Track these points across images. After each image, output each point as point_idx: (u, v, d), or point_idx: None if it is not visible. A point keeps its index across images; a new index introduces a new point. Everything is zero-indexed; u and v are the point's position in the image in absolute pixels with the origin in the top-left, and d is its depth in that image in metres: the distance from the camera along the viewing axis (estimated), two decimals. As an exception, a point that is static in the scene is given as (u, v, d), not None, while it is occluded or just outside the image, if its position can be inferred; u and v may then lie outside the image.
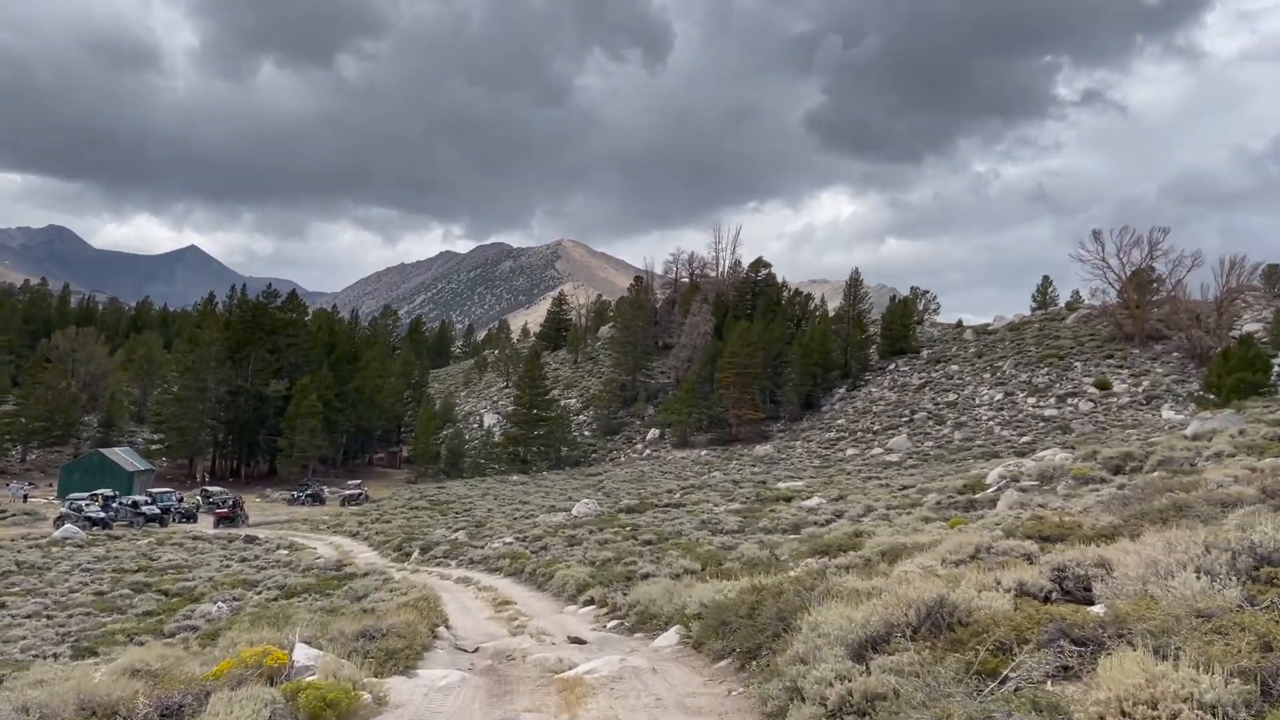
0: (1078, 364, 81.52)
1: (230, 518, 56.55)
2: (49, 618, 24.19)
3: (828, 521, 24.06)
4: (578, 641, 10.28)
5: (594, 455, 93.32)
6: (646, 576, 16.62)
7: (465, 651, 9.46)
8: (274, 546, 41.51)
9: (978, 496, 21.11)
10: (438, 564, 29.50)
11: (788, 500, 34.89)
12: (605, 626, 13.39)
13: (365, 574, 25.38)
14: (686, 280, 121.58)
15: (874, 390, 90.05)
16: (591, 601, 15.90)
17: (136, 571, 34.72)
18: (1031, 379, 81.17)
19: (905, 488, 32.76)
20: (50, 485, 70.92)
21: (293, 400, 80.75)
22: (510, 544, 29.97)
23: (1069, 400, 75.48)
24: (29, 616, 24.80)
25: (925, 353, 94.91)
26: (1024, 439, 68.03)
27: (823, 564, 11.11)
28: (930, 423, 78.20)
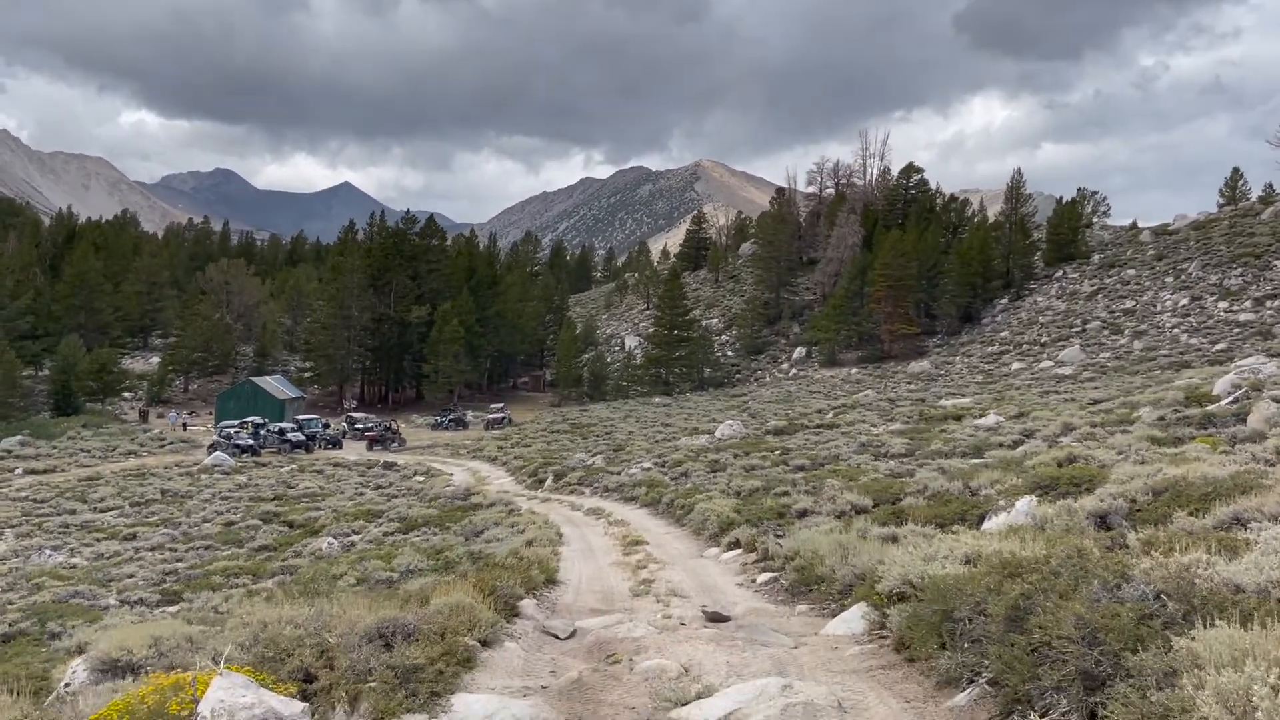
0: (1278, 263, 72.80)
1: (380, 440, 56.79)
2: (171, 550, 23.19)
3: (1016, 443, 20.40)
4: (716, 619, 7.48)
5: (738, 376, 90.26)
6: (804, 514, 13.60)
7: (555, 638, 6.75)
8: (410, 473, 40.50)
9: (1212, 410, 17.09)
10: (571, 491, 27.32)
11: (957, 419, 31.09)
12: (755, 582, 10.49)
13: (491, 505, 23.34)
14: (831, 191, 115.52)
15: (1040, 300, 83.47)
16: (737, 544, 13.03)
17: (273, 499, 34.15)
18: (1223, 281, 73.14)
19: (1097, 402, 28.45)
20: (210, 414, 73.04)
21: (435, 326, 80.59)
22: (649, 470, 27.45)
23: (1268, 303, 67.53)
24: (153, 549, 23.91)
25: (1096, 258, 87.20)
26: (1217, 347, 61.16)
27: (1066, 509, 7.84)
28: (1105, 332, 71.65)
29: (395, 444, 57.49)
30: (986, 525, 9.80)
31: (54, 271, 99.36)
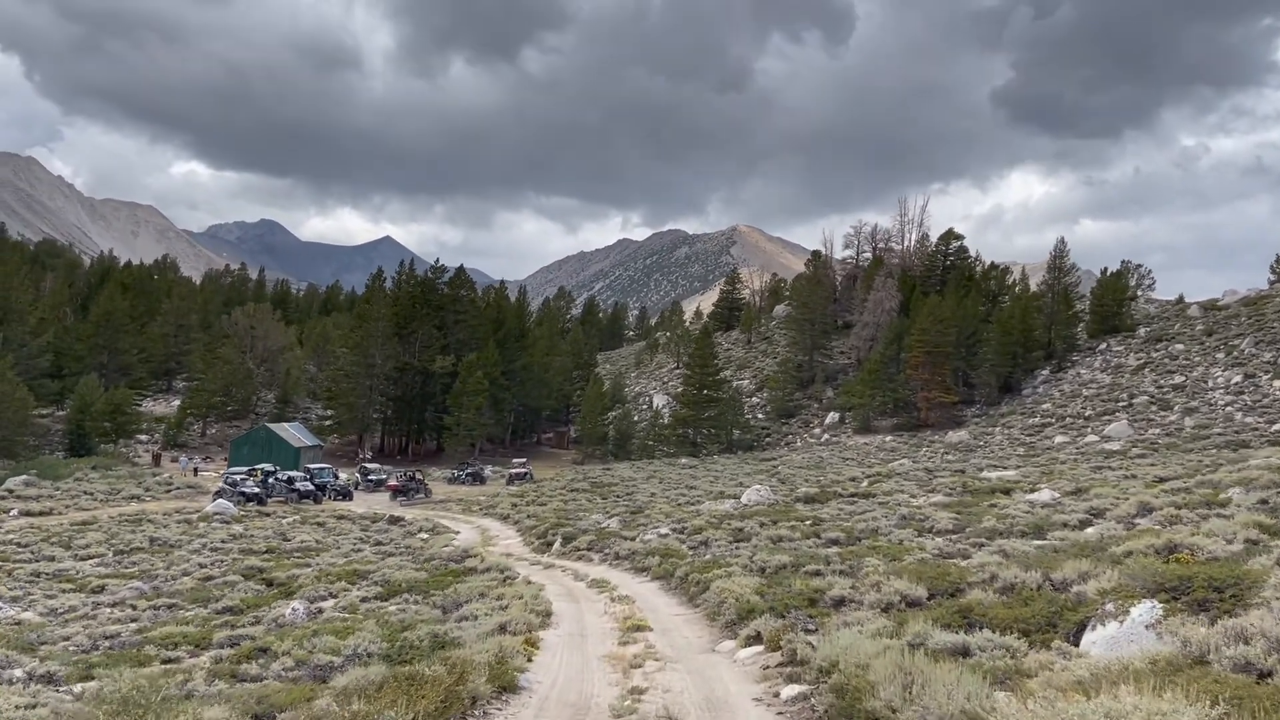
0: (1336, 341, 69.62)
1: (403, 490, 55.34)
2: (131, 608, 20.95)
3: (1083, 523, 17.79)
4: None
5: (768, 439, 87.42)
6: (841, 603, 11.13)
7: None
8: (415, 529, 38.20)
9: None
10: (579, 557, 24.85)
11: (1006, 493, 28.37)
12: (779, 697, 8.05)
13: (486, 570, 20.94)
14: (869, 255, 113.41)
15: (1083, 372, 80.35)
16: (758, 638, 10.56)
17: (265, 552, 31.99)
18: (1277, 359, 69.85)
19: (1163, 480, 25.66)
20: (226, 459, 71.28)
21: (459, 377, 78.74)
22: (665, 537, 24.97)
23: (1328, 383, 64.25)
24: (114, 605, 21.73)
25: (1142, 331, 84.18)
26: (1275, 426, 57.89)
27: (1236, 632, 5.44)
28: (1153, 408, 68.39)
29: (421, 495, 55.78)
30: (1089, 638, 7.33)
31: (85, 311, 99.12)
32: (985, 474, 40.56)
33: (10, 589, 24.93)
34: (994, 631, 7.58)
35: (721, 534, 23.42)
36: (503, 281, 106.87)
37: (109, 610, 20.99)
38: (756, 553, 18.37)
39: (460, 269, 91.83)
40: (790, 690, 8.08)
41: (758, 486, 38.12)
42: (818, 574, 14.80)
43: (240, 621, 17.00)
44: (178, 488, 56.24)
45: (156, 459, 70.15)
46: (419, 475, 59.52)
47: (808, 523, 24.23)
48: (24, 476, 56.96)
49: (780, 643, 9.65)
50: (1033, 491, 26.96)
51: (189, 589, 23.45)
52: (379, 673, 9.18)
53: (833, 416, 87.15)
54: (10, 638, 16.17)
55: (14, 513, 45.81)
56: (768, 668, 9.34)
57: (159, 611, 19.98)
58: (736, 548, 20.85)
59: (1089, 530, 16.76)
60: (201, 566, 28.25)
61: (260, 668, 11.13)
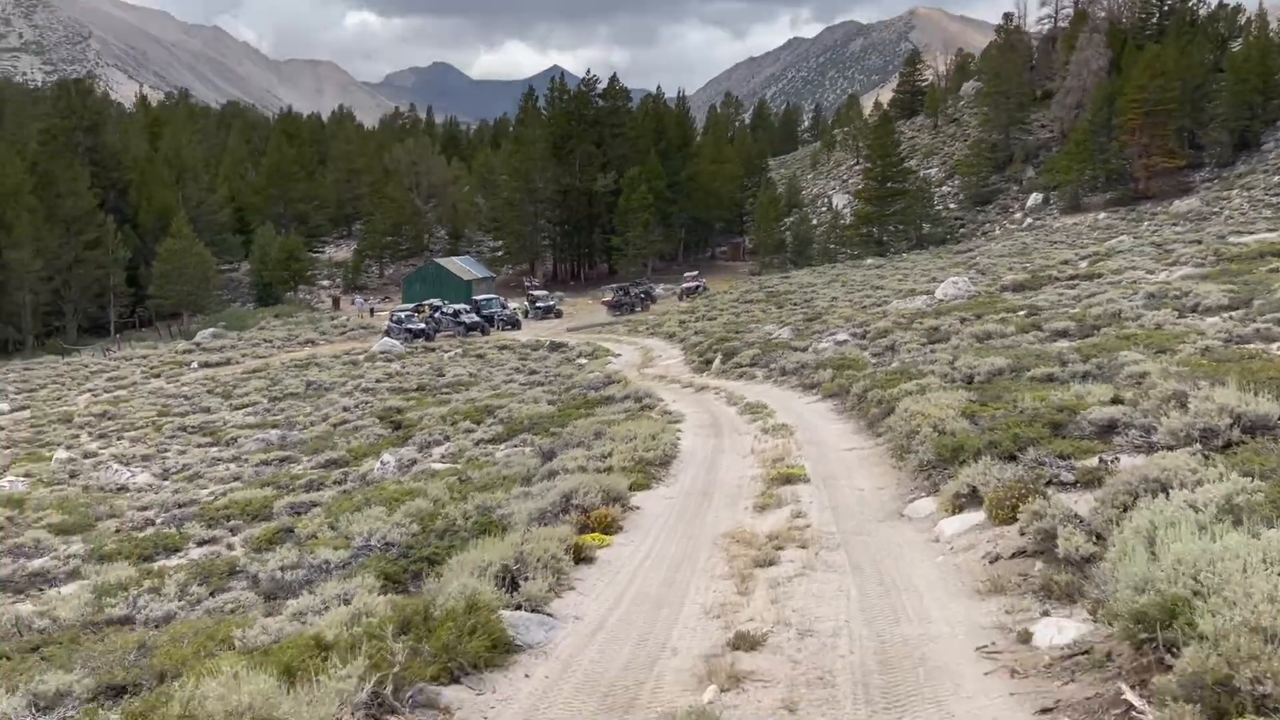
0: None
1: (618, 305, 56.07)
2: (245, 462, 18.98)
3: None
4: None
5: (961, 230, 79.69)
6: (1111, 430, 6.81)
7: None
8: (574, 355, 35.49)
9: None
10: (740, 374, 21.11)
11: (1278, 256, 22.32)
12: (1030, 639, 3.99)
13: (625, 398, 17.51)
14: (1069, 11, 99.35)
15: (1342, 118, 67.95)
16: (974, 497, 6.44)
17: (416, 390, 30.12)
18: None
19: None
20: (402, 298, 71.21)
21: (622, 194, 74.83)
22: (843, 344, 20.79)
23: None
24: (233, 460, 19.88)
25: None
26: None
27: None
28: None
29: (639, 309, 55.61)
30: None
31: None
32: (1236, 239, 33.62)
33: (148, 447, 23.80)
34: None
35: (912, 336, 19.00)
36: (659, 88, 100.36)
37: (224, 466, 19.10)
38: (959, 355, 13.93)
39: (614, 79, 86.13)
40: (1057, 627, 4.01)
41: (954, 279, 32.96)
42: (1051, 379, 10.38)
43: (327, 479, 14.36)
44: (353, 329, 56.09)
45: (336, 303, 70.87)
46: (633, 288, 58.63)
47: (1021, 313, 19.38)
48: (212, 329, 58.38)
49: (1017, 512, 5.52)
50: (1322, 253, 20.90)
51: (314, 438, 21.39)
52: (360, 588, 5.79)
53: (1035, 198, 78.22)
54: (75, 512, 14.08)
55: (194, 365, 46.46)
56: (997, 559, 5.28)
57: (268, 467, 17.79)
58: (931, 350, 16.44)
59: None
60: (345, 410, 26.40)
61: (260, 564, 8.08)
